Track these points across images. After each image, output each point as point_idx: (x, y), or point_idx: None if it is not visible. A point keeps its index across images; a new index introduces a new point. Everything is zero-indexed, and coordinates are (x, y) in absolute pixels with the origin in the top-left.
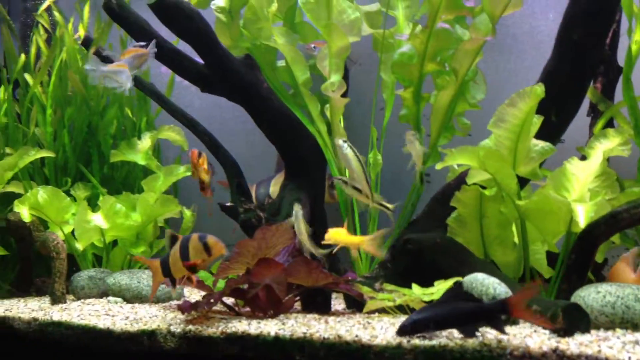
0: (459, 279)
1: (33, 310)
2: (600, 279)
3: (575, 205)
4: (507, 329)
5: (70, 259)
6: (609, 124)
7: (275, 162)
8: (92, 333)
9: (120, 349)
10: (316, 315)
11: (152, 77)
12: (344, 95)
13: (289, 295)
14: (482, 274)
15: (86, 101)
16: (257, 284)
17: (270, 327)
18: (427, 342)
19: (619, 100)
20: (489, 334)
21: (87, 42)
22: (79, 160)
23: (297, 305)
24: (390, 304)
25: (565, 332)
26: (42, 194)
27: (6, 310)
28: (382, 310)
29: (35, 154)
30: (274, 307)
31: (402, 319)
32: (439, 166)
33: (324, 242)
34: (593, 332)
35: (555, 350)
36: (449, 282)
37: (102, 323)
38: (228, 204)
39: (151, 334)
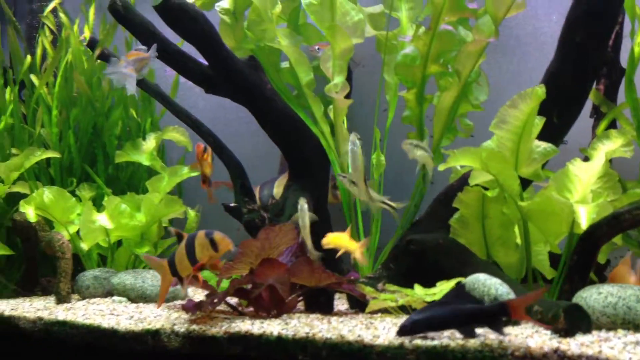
0: (461, 279)
1: (38, 309)
2: (603, 280)
3: (577, 206)
4: (509, 329)
5: (76, 258)
6: (612, 125)
7: (278, 162)
8: (96, 332)
9: (125, 348)
10: (319, 315)
11: (157, 78)
12: (347, 96)
13: (292, 295)
14: (484, 275)
15: (91, 102)
16: (261, 284)
17: (273, 327)
18: (429, 343)
19: (621, 101)
20: (490, 335)
21: (92, 44)
22: (84, 160)
23: (301, 305)
24: (393, 304)
25: (566, 332)
26: (47, 194)
27: (12, 309)
28: (385, 311)
29: (41, 155)
30: (277, 307)
31: (404, 319)
32: (441, 167)
33: (323, 247)
34: (594, 332)
35: (556, 351)
36: (451, 283)
37: (107, 322)
38: (232, 205)
39: (155, 334)
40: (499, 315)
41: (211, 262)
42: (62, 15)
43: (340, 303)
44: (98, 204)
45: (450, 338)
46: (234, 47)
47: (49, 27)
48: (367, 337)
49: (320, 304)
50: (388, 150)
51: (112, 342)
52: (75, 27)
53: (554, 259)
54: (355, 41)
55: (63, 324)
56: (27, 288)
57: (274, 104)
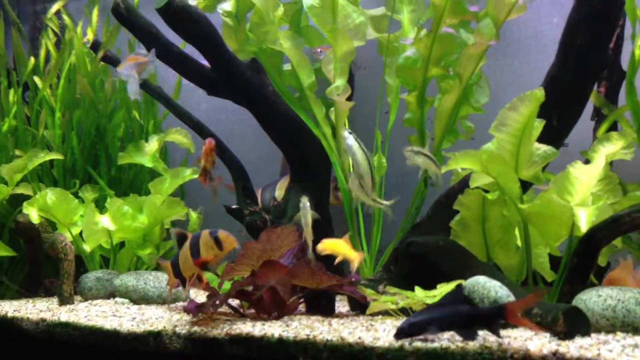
0: (462, 281)
1: (41, 310)
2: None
3: (577, 209)
4: (509, 331)
5: (78, 260)
6: (613, 127)
7: (280, 165)
8: (99, 334)
9: (127, 349)
10: (320, 317)
11: (160, 80)
12: (348, 98)
13: (293, 297)
14: (483, 277)
15: (94, 104)
16: (262, 286)
17: (274, 328)
18: (428, 345)
19: (622, 104)
20: (490, 337)
21: (95, 46)
22: (87, 162)
23: (302, 307)
24: (393, 306)
25: (565, 335)
26: (50, 195)
27: (15, 310)
28: (386, 313)
29: (44, 156)
30: (278, 309)
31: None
32: (442, 170)
33: (318, 253)
34: (594, 335)
35: (555, 354)
36: (452, 285)
37: (109, 324)
38: (234, 206)
39: (157, 335)
40: (496, 317)
41: (216, 260)
42: (65, 17)
43: (342, 305)
44: (101, 206)
45: (450, 340)
46: (236, 49)
47: (52, 29)
48: (368, 339)
49: (321, 306)
50: (389, 152)
51: (114, 344)
52: (79, 29)
53: (554, 261)
54: (357, 44)
55: (66, 325)
56: (30, 289)
57: (276, 106)
